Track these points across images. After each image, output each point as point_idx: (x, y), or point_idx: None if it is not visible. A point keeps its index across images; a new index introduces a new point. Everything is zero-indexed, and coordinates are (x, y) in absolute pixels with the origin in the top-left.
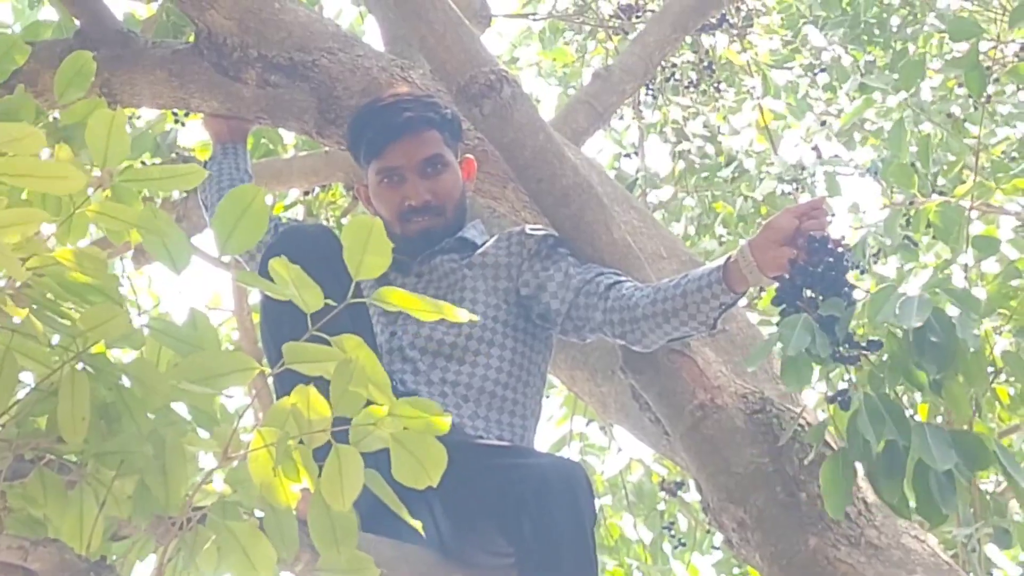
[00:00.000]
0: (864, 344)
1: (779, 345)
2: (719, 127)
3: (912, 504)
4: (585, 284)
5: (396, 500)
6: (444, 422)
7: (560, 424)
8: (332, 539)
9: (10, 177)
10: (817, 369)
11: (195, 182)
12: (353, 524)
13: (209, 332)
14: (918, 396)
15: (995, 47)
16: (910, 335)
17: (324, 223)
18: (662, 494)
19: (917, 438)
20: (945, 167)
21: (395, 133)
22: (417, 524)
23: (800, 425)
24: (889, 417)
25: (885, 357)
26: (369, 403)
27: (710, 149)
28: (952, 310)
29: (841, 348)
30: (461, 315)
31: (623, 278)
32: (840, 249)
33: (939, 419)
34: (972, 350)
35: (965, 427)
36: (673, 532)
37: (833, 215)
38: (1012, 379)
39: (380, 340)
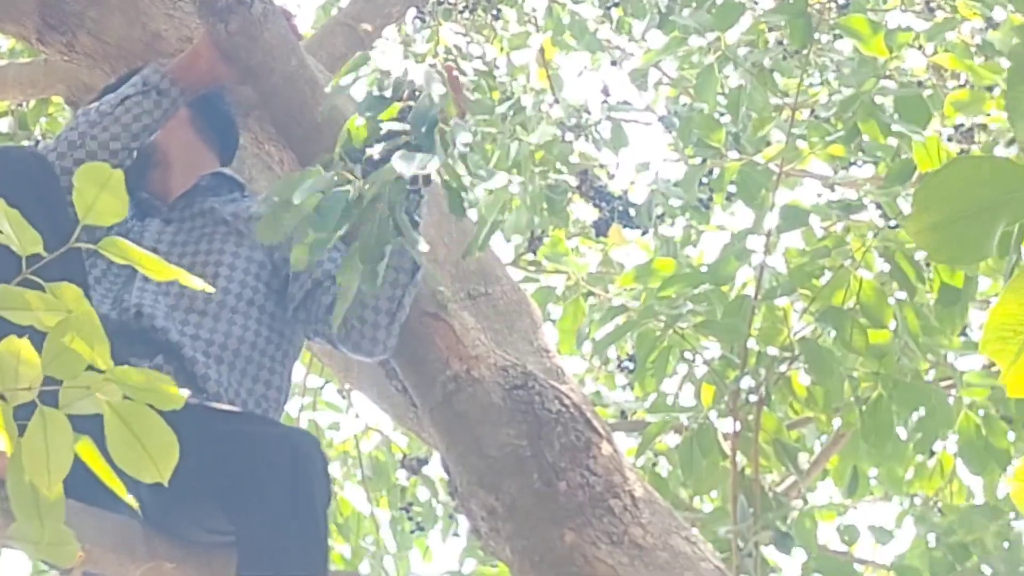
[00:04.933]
0: None
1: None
2: (496, 60)
3: None
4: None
5: (111, 473)
6: (177, 397)
7: None
8: (35, 510)
9: None
10: None
11: None
12: (60, 495)
13: None
14: None
15: None
16: None
17: (39, 139)
18: (401, 471)
19: None
20: (749, 123)
21: None
22: (132, 501)
23: (564, 405)
24: None
25: None
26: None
27: (485, 84)
28: None
29: None
30: (196, 282)
31: None
32: None
33: None
34: None
35: None
36: (411, 515)
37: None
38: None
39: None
